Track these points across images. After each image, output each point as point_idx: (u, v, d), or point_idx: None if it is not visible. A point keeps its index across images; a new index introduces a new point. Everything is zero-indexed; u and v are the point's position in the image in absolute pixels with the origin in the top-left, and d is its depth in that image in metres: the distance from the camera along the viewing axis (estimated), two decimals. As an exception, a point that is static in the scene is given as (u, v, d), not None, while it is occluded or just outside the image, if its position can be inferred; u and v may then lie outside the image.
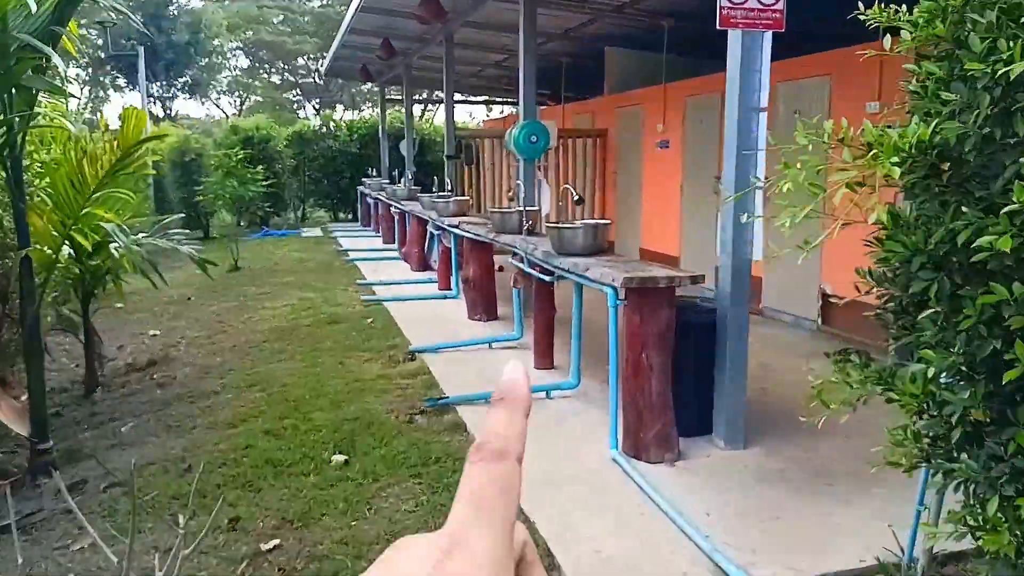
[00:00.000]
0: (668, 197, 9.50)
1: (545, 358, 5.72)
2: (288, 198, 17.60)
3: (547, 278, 5.24)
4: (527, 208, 6.12)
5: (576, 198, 5.06)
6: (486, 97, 19.24)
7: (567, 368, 5.63)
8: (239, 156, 11.07)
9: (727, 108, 4.01)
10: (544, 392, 5.02)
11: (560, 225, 4.89)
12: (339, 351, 6.43)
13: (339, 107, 36.45)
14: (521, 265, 5.69)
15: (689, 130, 9.00)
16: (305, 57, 36.62)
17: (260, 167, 12.38)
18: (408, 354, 6.16)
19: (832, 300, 6.64)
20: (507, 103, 17.80)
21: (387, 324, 7.35)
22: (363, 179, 17.25)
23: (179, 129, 16.84)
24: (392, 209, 12.35)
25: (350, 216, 19.41)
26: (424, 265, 10.49)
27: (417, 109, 34.95)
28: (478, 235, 6.70)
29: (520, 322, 6.36)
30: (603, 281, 4.02)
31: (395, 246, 12.79)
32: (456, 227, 7.49)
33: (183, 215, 8.02)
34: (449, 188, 8.50)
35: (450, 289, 8.82)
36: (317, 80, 37.02)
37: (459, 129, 10.68)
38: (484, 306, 7.34)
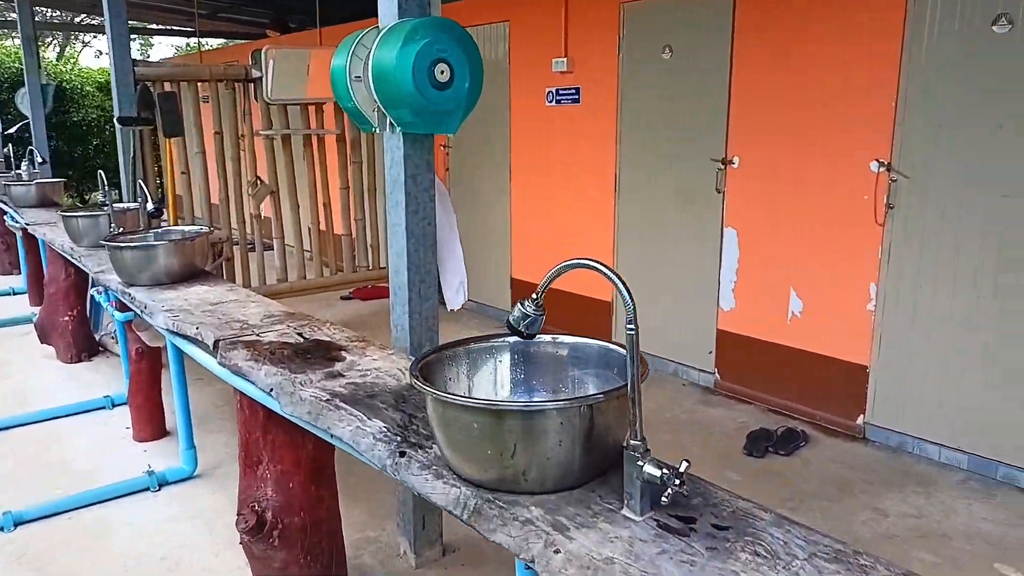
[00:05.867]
0: (586, 193, 5.13)
1: None
2: None
3: None
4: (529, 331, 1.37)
5: None
6: (169, 26, 12.83)
7: None
8: None
9: None
10: None
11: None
12: None
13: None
14: None
15: (631, 68, 4.67)
16: None
17: None
18: None
19: None
20: (198, 35, 11.78)
21: None
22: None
23: None
24: (8, 222, 6.41)
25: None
26: (86, 350, 5.01)
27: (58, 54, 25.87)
28: (328, 433, 1.76)
29: None
30: None
31: (21, 286, 6.86)
32: (213, 354, 2.43)
33: None
34: (151, 203, 3.25)
35: (162, 436, 3.70)
36: None
37: (140, 64, 5.18)
38: (315, 581, 2.42)
